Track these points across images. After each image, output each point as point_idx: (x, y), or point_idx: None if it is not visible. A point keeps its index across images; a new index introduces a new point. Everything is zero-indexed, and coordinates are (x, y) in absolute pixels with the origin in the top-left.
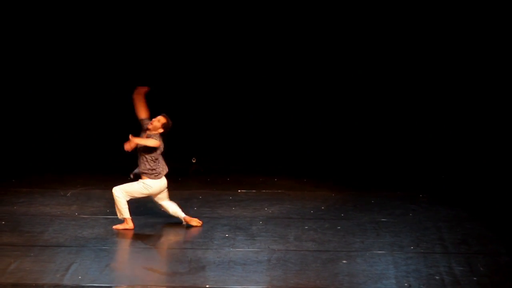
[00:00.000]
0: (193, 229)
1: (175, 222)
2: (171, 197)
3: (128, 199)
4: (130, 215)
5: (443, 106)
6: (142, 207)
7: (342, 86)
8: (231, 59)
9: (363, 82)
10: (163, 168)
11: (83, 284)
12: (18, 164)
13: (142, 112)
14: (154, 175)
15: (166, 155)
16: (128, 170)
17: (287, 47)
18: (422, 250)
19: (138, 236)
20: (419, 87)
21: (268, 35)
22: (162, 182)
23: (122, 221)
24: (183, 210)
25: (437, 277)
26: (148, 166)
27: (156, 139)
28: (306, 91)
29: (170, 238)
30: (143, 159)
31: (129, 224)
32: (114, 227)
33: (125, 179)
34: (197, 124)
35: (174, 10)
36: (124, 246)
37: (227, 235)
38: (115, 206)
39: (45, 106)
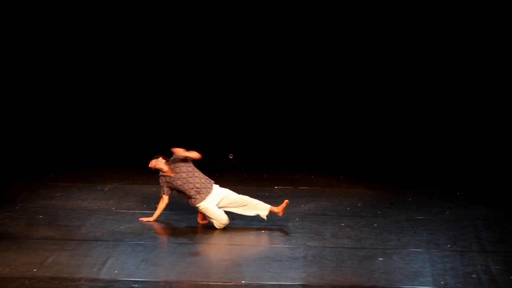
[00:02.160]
0: (228, 225)
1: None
2: None
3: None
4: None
5: (482, 103)
6: (179, 202)
7: (379, 83)
8: (265, 55)
9: (399, 78)
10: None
11: (120, 279)
12: (56, 159)
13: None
14: (194, 199)
15: (203, 151)
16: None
17: (318, 45)
18: (459, 249)
19: (175, 231)
20: (458, 82)
21: (296, 34)
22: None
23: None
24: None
25: (473, 276)
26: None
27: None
28: (344, 88)
29: (206, 233)
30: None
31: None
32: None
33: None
34: (235, 120)
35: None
36: (160, 241)
37: (263, 231)
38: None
39: (84, 101)
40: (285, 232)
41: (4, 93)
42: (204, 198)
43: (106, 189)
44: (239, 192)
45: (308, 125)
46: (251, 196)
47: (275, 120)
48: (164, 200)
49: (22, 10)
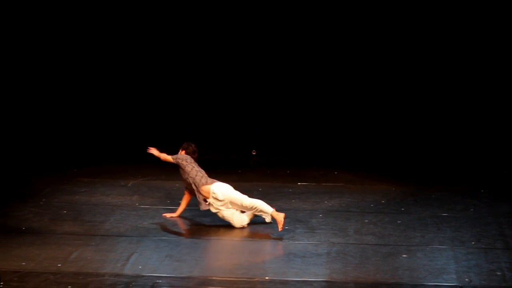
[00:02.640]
0: (253, 221)
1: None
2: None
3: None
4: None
5: (508, 98)
6: None
7: (403, 79)
8: (289, 52)
9: (422, 74)
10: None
11: (144, 274)
12: (80, 154)
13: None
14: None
15: (228, 147)
16: None
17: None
18: (483, 246)
19: (198, 227)
20: (483, 77)
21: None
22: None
23: None
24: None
25: (498, 273)
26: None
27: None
28: (368, 84)
29: (230, 229)
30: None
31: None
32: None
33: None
34: (259, 116)
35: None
36: (184, 237)
37: (286, 228)
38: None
39: (110, 96)
40: (308, 228)
41: (31, 88)
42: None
43: (129, 184)
44: (263, 188)
45: (332, 122)
46: (274, 193)
47: (299, 116)
48: (186, 196)
49: (25, 9)
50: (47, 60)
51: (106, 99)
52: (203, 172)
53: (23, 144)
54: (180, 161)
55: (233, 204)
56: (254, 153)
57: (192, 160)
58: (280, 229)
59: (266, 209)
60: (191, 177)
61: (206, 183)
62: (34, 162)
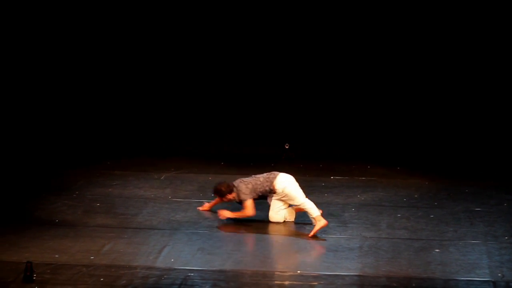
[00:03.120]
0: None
1: (266, 208)
2: None
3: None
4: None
5: None
6: None
7: (433, 76)
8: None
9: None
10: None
11: (176, 267)
12: (113, 147)
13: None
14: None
15: (260, 141)
16: (220, 156)
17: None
18: None
19: (230, 220)
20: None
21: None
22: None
23: None
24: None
25: None
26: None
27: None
28: (400, 79)
29: (262, 223)
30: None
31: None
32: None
33: (216, 164)
34: (291, 110)
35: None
36: (216, 230)
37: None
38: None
39: (142, 90)
40: (341, 222)
41: (64, 82)
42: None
43: (162, 177)
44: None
45: (365, 115)
46: (307, 187)
47: (332, 109)
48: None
49: (24, 9)
50: (72, 55)
51: (141, 92)
52: (257, 176)
53: (56, 137)
54: (245, 197)
55: (287, 197)
56: (287, 147)
57: (243, 183)
58: (310, 235)
59: (312, 211)
60: (260, 191)
61: (272, 182)
62: (67, 155)
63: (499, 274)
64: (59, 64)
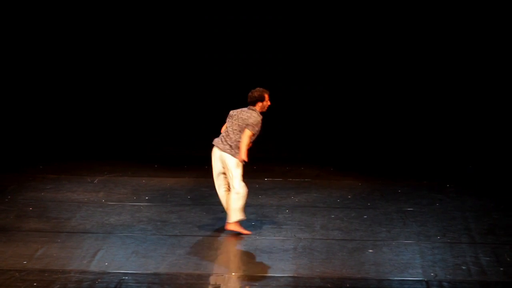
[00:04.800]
0: (219, 217)
1: (201, 210)
2: (196, 186)
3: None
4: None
5: (470, 95)
6: (169, 194)
7: (372, 76)
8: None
9: (392, 72)
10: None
11: (110, 271)
12: (46, 150)
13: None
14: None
15: (194, 143)
16: (155, 158)
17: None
18: (448, 240)
19: (164, 223)
20: (446, 75)
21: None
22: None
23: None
24: (209, 199)
25: (463, 267)
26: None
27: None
28: (336, 80)
29: (196, 225)
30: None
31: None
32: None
33: (151, 167)
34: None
35: None
36: (150, 233)
37: (253, 223)
38: (236, 206)
39: (73, 93)
40: (275, 224)
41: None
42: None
43: (96, 181)
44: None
45: (298, 117)
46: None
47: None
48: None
49: (24, 9)
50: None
51: (72, 96)
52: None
53: None
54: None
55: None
56: None
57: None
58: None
59: (234, 207)
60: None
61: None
62: None
63: (432, 274)
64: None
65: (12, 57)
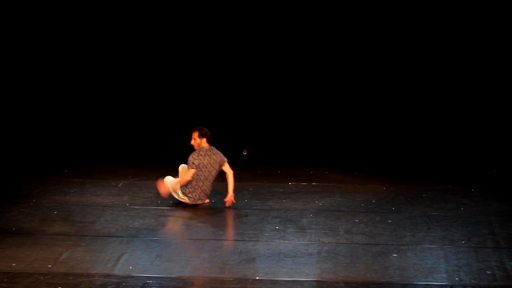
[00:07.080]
0: (244, 221)
1: (225, 214)
2: (221, 189)
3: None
4: None
5: (497, 99)
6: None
7: (398, 81)
8: (279, 52)
9: (417, 77)
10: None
11: (134, 274)
12: (71, 155)
13: None
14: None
15: (218, 147)
16: (179, 162)
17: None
18: (473, 245)
19: (189, 227)
20: (473, 79)
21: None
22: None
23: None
24: (234, 203)
25: (488, 272)
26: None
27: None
28: (361, 84)
29: (220, 229)
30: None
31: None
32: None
33: (175, 170)
34: (249, 116)
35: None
36: (175, 237)
37: (277, 227)
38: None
39: (98, 98)
40: (299, 228)
41: (19, 89)
42: (193, 201)
43: (120, 185)
44: (254, 188)
45: (322, 121)
46: (265, 193)
47: (290, 115)
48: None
49: (24, 9)
50: (36, 61)
51: (96, 99)
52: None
53: (13, 145)
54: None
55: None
56: (245, 153)
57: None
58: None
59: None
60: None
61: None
62: (24, 162)
63: (457, 278)
64: (13, 70)
65: (33, 63)
